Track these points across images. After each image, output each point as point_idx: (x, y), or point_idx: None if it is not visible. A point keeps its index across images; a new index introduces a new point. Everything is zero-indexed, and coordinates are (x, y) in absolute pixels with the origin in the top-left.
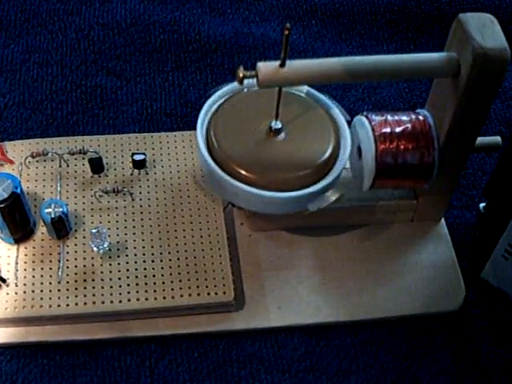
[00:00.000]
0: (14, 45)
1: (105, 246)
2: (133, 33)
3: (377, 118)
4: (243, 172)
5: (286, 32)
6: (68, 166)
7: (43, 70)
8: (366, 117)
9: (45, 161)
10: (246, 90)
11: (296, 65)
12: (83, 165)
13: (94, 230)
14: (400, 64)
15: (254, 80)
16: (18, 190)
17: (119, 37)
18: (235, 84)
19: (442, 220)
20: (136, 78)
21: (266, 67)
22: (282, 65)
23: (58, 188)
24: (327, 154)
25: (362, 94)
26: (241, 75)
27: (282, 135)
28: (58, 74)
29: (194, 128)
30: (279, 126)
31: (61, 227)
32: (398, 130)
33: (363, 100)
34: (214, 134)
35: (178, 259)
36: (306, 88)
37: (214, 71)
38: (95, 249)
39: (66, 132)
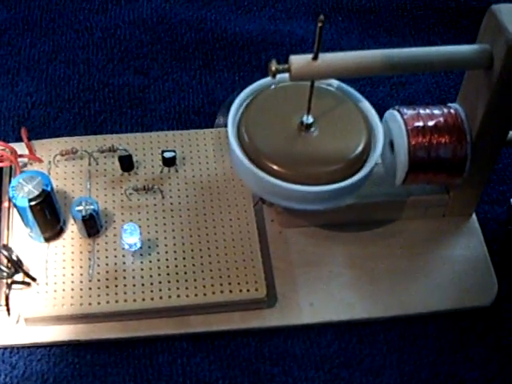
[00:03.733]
0: (40, 44)
1: (137, 244)
2: (159, 31)
3: (409, 112)
4: (275, 167)
5: (320, 24)
6: (97, 164)
7: (70, 69)
8: (398, 111)
9: (74, 159)
10: (273, 86)
11: (329, 57)
12: (113, 163)
13: (125, 227)
14: (433, 56)
15: (286, 74)
16: (49, 188)
17: (146, 35)
18: (264, 80)
19: (474, 215)
20: (163, 77)
21: (298, 60)
22: (315, 58)
23: (88, 186)
24: (360, 149)
25: (391, 90)
26: (273, 69)
27: (314, 130)
28: (84, 72)
29: (216, 125)
30: (311, 120)
31: (92, 225)
32: (430, 123)
33: (391, 96)
34: (246, 130)
35: (210, 256)
36: (336, 83)
37: (241, 69)
38: (126, 247)
39: (93, 131)
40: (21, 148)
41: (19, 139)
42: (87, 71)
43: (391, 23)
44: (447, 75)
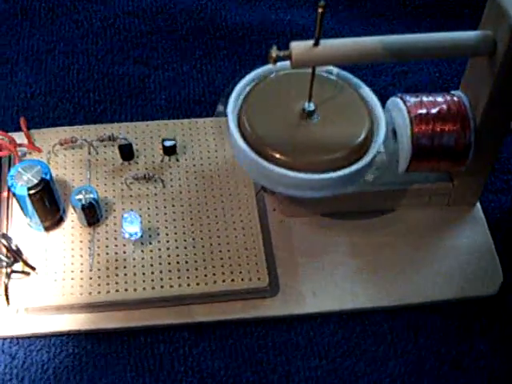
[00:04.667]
0: (38, 34)
1: (137, 233)
2: (159, 21)
3: (412, 100)
4: (277, 154)
5: (320, 10)
6: (97, 153)
7: (69, 60)
8: (401, 98)
9: (73, 148)
10: (273, 74)
11: (330, 44)
12: (112, 152)
13: (126, 216)
14: (435, 43)
15: (287, 62)
16: (48, 176)
17: (145, 25)
18: (264, 68)
19: (478, 204)
20: (163, 66)
21: (299, 46)
22: (316, 44)
23: (88, 175)
24: (362, 137)
25: (393, 79)
26: (274, 55)
27: (315, 117)
28: (84, 62)
29: (216, 114)
30: (312, 107)
31: (92, 214)
32: (433, 111)
33: (394, 85)
34: (247, 118)
35: (211, 245)
36: (336, 70)
37: (241, 58)
38: (127, 235)
39: (93, 121)
40: (20, 138)
41: (18, 129)
42: (86, 61)
43: (393, 12)
44: (449, 64)
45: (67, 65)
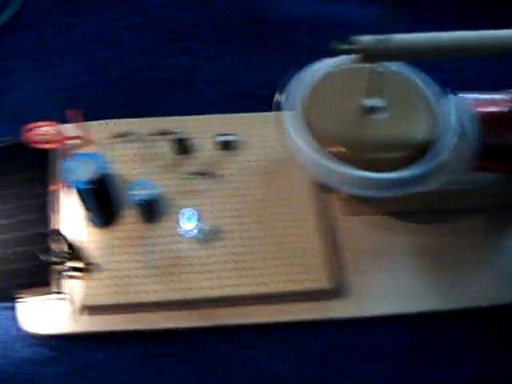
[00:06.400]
0: (82, 25)
1: (194, 230)
2: (205, 12)
3: (480, 97)
4: (340, 152)
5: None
6: (151, 147)
7: (114, 50)
8: (468, 96)
9: (126, 142)
10: (333, 68)
11: (399, 39)
12: (167, 146)
13: (183, 212)
14: (505, 39)
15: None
16: (106, 171)
17: (191, 16)
18: (327, 61)
19: None
20: (211, 59)
21: (368, 41)
22: (385, 39)
23: (142, 170)
24: (429, 135)
25: (445, 75)
26: (339, 49)
27: (380, 114)
28: (129, 54)
29: (274, 109)
30: (377, 103)
31: (149, 210)
32: (501, 110)
33: (447, 81)
34: (308, 113)
35: (269, 244)
36: (400, 66)
37: (291, 51)
38: (183, 232)
39: (141, 113)
40: (68, 130)
41: (64, 121)
42: (132, 52)
43: (440, 8)
44: (499, 60)
45: (112, 56)
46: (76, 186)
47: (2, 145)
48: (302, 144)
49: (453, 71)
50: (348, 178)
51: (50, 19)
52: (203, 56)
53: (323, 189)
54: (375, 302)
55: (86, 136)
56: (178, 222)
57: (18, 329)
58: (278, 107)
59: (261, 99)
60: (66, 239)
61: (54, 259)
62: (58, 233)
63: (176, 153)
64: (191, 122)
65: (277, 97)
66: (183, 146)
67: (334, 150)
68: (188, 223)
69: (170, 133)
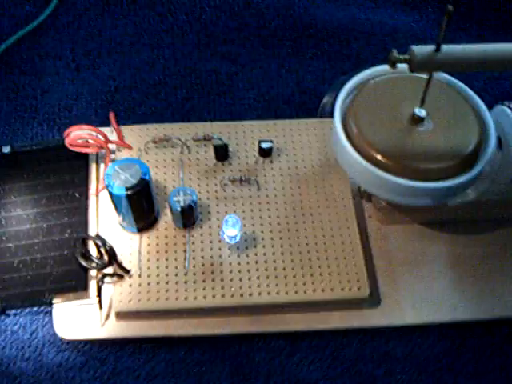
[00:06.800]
0: (121, 26)
1: (237, 236)
2: (245, 16)
3: None
4: (385, 160)
5: (447, 16)
6: (190, 152)
7: (154, 53)
8: (509, 107)
9: (165, 147)
10: (373, 80)
11: (452, 50)
12: (205, 152)
13: (227, 219)
14: None
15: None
16: (147, 177)
17: (232, 20)
18: (376, 68)
19: None
20: (251, 64)
21: (421, 51)
22: (438, 49)
23: (181, 175)
24: (473, 146)
25: (485, 84)
26: (393, 58)
27: (426, 123)
28: (169, 57)
29: (313, 115)
30: (424, 113)
31: (189, 216)
32: None
33: (486, 91)
34: (354, 121)
35: (309, 252)
36: (445, 76)
37: (330, 58)
38: (226, 239)
39: (180, 118)
40: (107, 133)
41: (102, 124)
42: (172, 56)
43: (483, 15)
44: None
45: (152, 58)
46: (117, 192)
47: (43, 146)
48: (349, 150)
49: (491, 80)
50: (394, 186)
51: (88, 19)
52: (242, 61)
53: (360, 196)
54: (408, 311)
55: (122, 140)
56: (221, 228)
57: (52, 334)
58: (323, 113)
59: (299, 106)
60: (105, 244)
61: (93, 264)
62: (98, 237)
63: (216, 159)
64: (232, 127)
65: (323, 103)
66: (223, 152)
67: (380, 156)
68: (231, 229)
69: (210, 138)
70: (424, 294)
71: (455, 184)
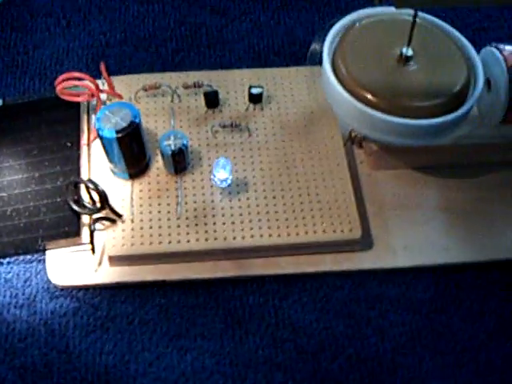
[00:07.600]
0: None
1: (228, 180)
2: None
3: (509, 49)
4: (374, 98)
5: None
6: (180, 100)
7: (143, 7)
8: (497, 47)
9: (155, 95)
10: (357, 24)
11: None
12: (196, 100)
13: (218, 161)
14: None
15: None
16: (138, 120)
17: None
18: (363, 11)
19: None
20: (241, 17)
21: None
22: None
23: (172, 123)
24: (461, 84)
25: (473, 34)
26: None
27: (413, 63)
28: (159, 11)
29: (308, 61)
30: (410, 53)
31: (180, 160)
32: None
33: (474, 41)
34: (343, 61)
35: (300, 196)
36: (429, 17)
37: (320, 9)
38: (217, 182)
39: (171, 70)
40: (99, 84)
41: (95, 77)
42: (162, 10)
43: None
44: None
45: (142, 13)
46: (108, 135)
47: (33, 99)
48: (338, 90)
49: (480, 30)
50: (387, 124)
51: None
52: (231, 14)
53: (351, 141)
54: (400, 253)
55: (113, 89)
56: (211, 171)
57: (45, 281)
58: (312, 60)
59: (288, 56)
60: (98, 187)
61: (85, 209)
62: (90, 181)
63: (206, 106)
64: (221, 75)
65: (311, 49)
66: (213, 99)
67: (369, 95)
68: (222, 171)
69: (201, 85)
70: (416, 237)
71: (443, 122)
